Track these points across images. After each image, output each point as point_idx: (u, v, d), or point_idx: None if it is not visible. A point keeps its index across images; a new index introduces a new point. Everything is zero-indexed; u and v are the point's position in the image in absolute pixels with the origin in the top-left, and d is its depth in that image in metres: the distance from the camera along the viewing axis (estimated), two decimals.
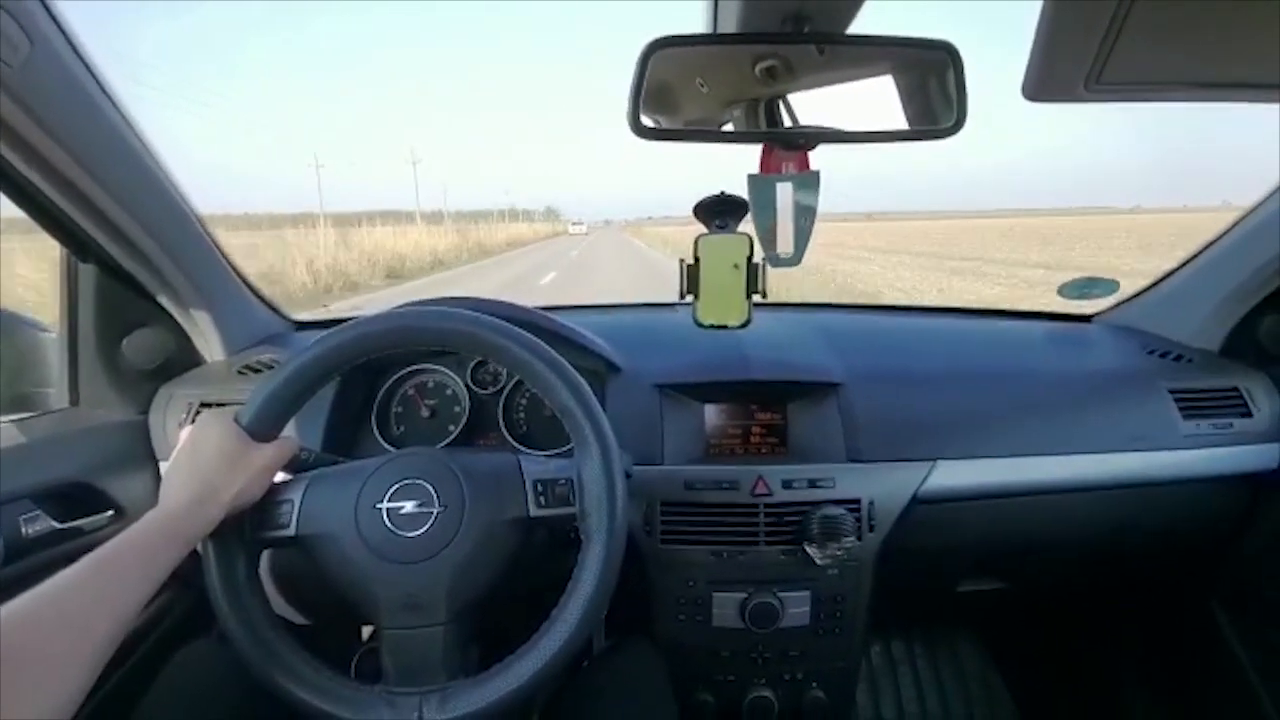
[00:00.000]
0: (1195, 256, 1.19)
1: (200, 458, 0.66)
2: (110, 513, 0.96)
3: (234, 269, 1.14)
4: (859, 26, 0.69)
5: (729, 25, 0.71)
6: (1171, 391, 1.06)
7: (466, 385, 1.09)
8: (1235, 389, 1.07)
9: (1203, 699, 1.21)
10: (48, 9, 0.71)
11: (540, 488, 0.71)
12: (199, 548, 0.67)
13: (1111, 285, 1.31)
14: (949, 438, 1.01)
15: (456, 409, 1.08)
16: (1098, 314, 1.37)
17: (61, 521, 0.89)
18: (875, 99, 0.75)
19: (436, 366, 1.10)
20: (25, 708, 0.44)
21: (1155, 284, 1.28)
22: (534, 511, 0.70)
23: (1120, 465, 1.02)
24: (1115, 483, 1.02)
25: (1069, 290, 1.32)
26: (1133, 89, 0.55)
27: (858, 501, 0.96)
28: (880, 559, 0.98)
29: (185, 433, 0.69)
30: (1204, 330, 1.16)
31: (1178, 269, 1.23)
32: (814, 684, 1.05)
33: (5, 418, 0.93)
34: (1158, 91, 0.57)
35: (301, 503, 0.70)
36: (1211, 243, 1.16)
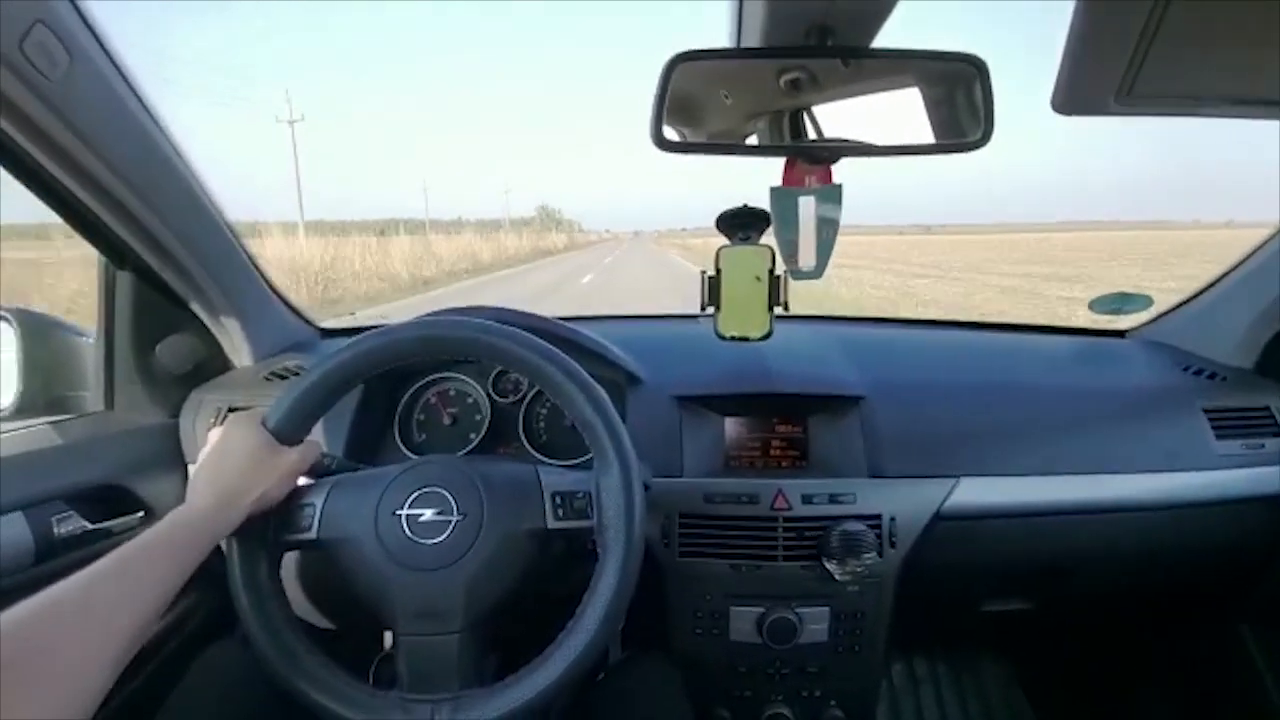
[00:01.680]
0: (1231, 271, 1.16)
1: (226, 459, 0.67)
2: (141, 514, 0.98)
3: (264, 277, 1.16)
4: (884, 39, 0.69)
5: (753, 37, 0.71)
6: (1206, 410, 1.04)
7: (488, 394, 1.09)
8: (1268, 408, 1.05)
9: None
10: (86, 23, 0.73)
11: (559, 500, 0.71)
12: (223, 548, 0.69)
13: (1145, 300, 1.28)
14: (974, 454, 1.00)
15: (477, 417, 1.09)
16: (1131, 329, 1.34)
17: (93, 522, 0.91)
18: (901, 111, 0.75)
19: (458, 375, 1.11)
20: (48, 701, 0.45)
21: (1190, 299, 1.25)
22: (552, 524, 0.71)
23: (1152, 485, 0.99)
24: (1146, 503, 0.99)
25: (1101, 305, 1.29)
26: (1164, 103, 0.54)
27: (879, 517, 0.94)
28: (902, 576, 0.97)
29: (213, 435, 0.71)
30: (1239, 347, 1.13)
31: (1213, 284, 1.20)
32: (833, 702, 1.03)
33: (42, 419, 0.96)
34: (1189, 106, 0.56)
35: (323, 507, 0.71)
36: (1247, 257, 1.13)
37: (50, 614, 0.48)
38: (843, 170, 0.78)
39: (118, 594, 0.53)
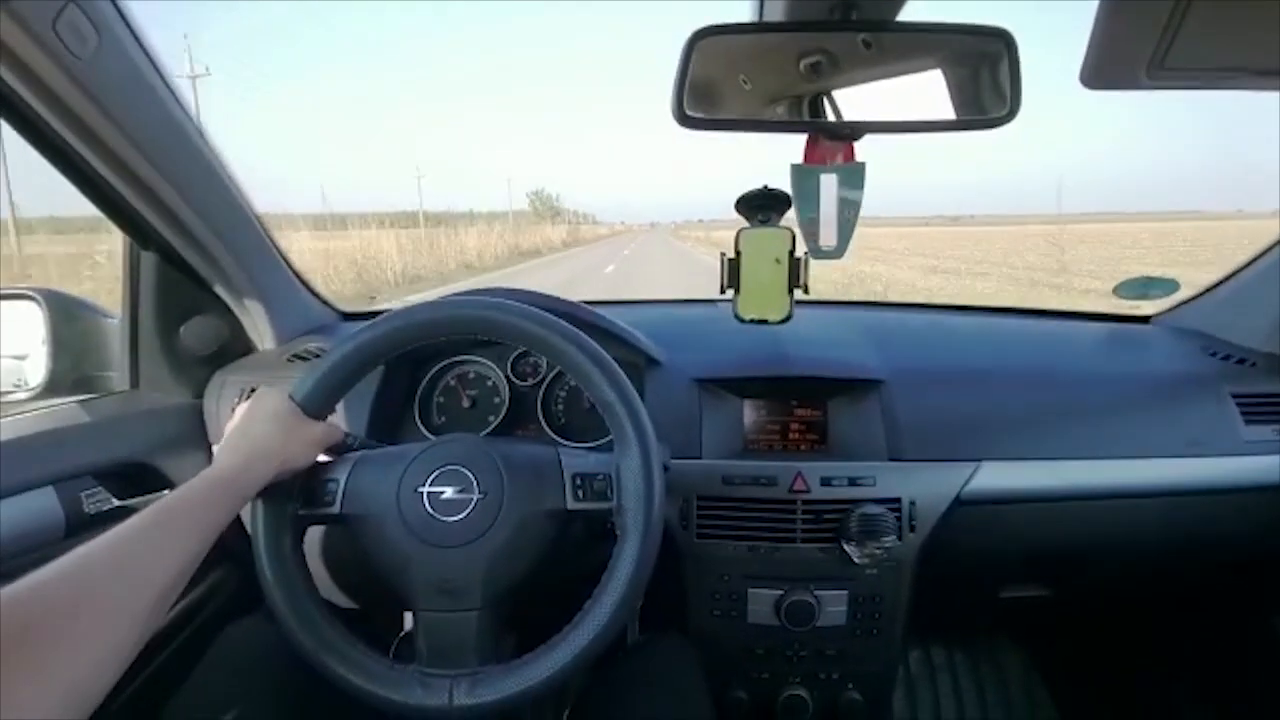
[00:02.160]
0: (1260, 256, 1.14)
1: (253, 423, 0.69)
2: (166, 491, 1.00)
3: (286, 261, 1.18)
4: (907, 15, 0.68)
5: (775, 14, 0.71)
6: (1234, 395, 1.02)
7: (507, 377, 1.10)
8: None
9: (1260, 717, 1.15)
10: (115, 4, 0.74)
11: (579, 481, 0.72)
12: (247, 526, 0.70)
13: (1171, 285, 1.26)
14: (995, 438, 0.99)
15: (497, 400, 1.10)
16: (1157, 315, 1.32)
17: (120, 498, 0.92)
18: (923, 90, 0.74)
19: (478, 358, 1.11)
20: (78, 658, 0.45)
21: (1218, 284, 1.22)
22: (571, 505, 0.71)
23: (1177, 471, 0.98)
24: (1171, 489, 0.98)
25: (1126, 290, 1.28)
26: (1196, 76, 0.53)
27: (898, 501, 0.94)
28: (921, 560, 0.96)
29: (240, 407, 0.72)
30: (1269, 333, 1.10)
31: (1242, 269, 1.18)
32: (850, 685, 1.03)
33: (71, 398, 0.98)
34: (1222, 78, 0.55)
35: (346, 482, 0.72)
36: (1277, 241, 1.10)
37: (80, 573, 0.49)
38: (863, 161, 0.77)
39: (146, 553, 0.53)
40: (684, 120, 0.70)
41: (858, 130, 0.74)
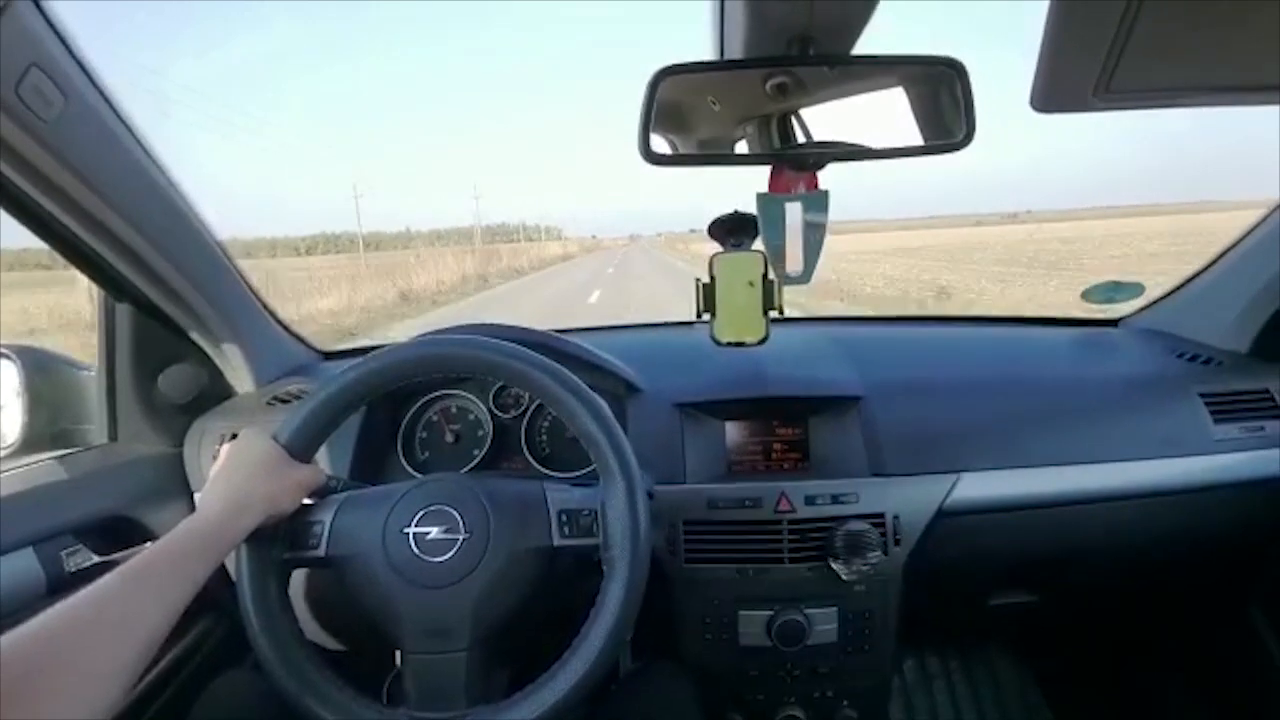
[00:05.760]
0: (1222, 256, 1.17)
1: (237, 468, 0.68)
2: (148, 545, 0.99)
3: (262, 302, 1.17)
4: (864, 45, 0.69)
5: (735, 46, 0.72)
6: (1202, 395, 1.04)
7: (489, 410, 1.10)
8: (1266, 390, 1.05)
9: (1248, 708, 1.17)
10: (80, 64, 0.74)
11: (565, 518, 0.72)
12: (231, 572, 0.69)
13: (1136, 289, 1.29)
14: (974, 448, 1.00)
15: (480, 434, 1.10)
16: (1123, 318, 1.35)
17: (102, 554, 0.91)
18: (887, 113, 0.76)
19: (459, 392, 1.11)
20: (63, 711, 0.45)
21: (1182, 286, 1.25)
22: (558, 541, 0.71)
23: (1151, 472, 1.00)
24: (1146, 490, 1.00)
25: (1093, 294, 1.30)
26: (1143, 96, 0.55)
27: (882, 516, 0.95)
28: (908, 573, 0.97)
29: (224, 449, 0.72)
30: (1233, 331, 1.13)
31: (1204, 269, 1.21)
32: (845, 702, 1.03)
33: (47, 454, 0.96)
34: (1168, 97, 0.56)
35: (332, 523, 0.72)
36: (1238, 241, 1.14)
37: (65, 625, 0.49)
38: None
39: (128, 607, 0.53)
40: (650, 157, 0.71)
41: (821, 159, 0.76)
